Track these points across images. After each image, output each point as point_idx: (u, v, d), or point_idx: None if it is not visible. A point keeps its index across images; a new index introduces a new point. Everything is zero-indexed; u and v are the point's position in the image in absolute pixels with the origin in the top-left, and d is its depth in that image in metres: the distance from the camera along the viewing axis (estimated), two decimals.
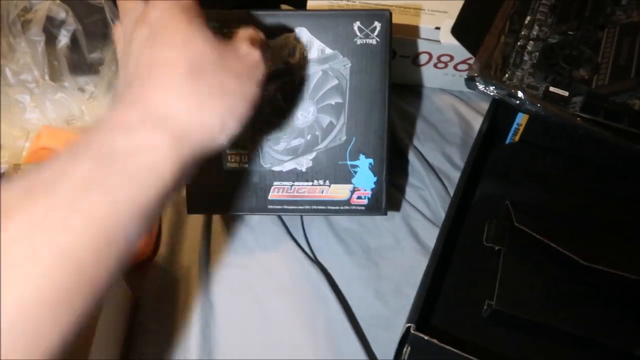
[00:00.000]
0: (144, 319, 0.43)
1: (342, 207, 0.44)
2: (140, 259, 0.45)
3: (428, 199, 0.51)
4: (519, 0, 0.52)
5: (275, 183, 0.43)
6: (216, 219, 0.49)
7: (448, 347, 0.35)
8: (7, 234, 0.21)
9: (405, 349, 0.38)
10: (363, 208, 0.44)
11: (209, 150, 0.27)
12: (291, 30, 0.40)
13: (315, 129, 0.42)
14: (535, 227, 0.42)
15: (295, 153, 0.43)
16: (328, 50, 0.40)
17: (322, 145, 0.42)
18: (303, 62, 0.41)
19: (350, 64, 0.41)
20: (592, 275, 0.40)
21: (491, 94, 0.46)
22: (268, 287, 0.45)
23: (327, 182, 0.43)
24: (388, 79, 0.41)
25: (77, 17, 0.52)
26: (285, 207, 0.44)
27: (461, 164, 0.53)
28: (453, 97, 0.59)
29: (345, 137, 0.42)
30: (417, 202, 0.51)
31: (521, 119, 0.51)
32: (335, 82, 0.41)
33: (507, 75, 0.47)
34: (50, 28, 0.52)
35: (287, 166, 0.43)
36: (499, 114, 0.51)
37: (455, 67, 0.57)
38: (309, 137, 0.42)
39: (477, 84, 0.46)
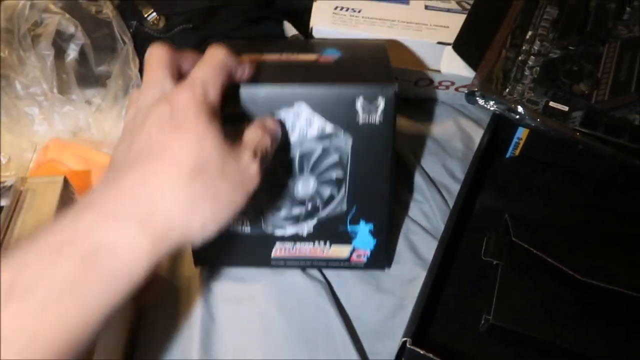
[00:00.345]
0: (145, 329, 0.44)
1: (342, 264, 0.46)
2: None
3: (428, 213, 0.51)
4: (521, 14, 0.53)
5: (277, 244, 0.44)
6: None
7: None
8: None
9: None
10: (362, 265, 0.46)
11: (182, 246, 0.28)
12: (291, 105, 0.37)
13: (316, 199, 0.41)
14: (533, 241, 0.42)
15: (296, 220, 0.43)
16: (329, 128, 0.38)
17: (322, 214, 0.42)
18: (303, 139, 0.39)
19: (351, 141, 0.39)
20: (590, 291, 0.40)
21: (491, 108, 0.46)
22: (269, 299, 0.45)
23: (328, 244, 0.44)
24: (391, 152, 0.39)
25: (86, 31, 0.53)
26: (287, 262, 0.46)
27: (462, 177, 0.54)
28: (455, 111, 0.60)
29: (346, 207, 0.42)
30: (417, 216, 0.51)
31: (522, 133, 0.51)
32: (336, 158, 0.39)
33: (507, 90, 0.48)
34: (60, 42, 0.53)
35: (289, 231, 0.43)
36: (499, 128, 0.51)
37: (456, 89, 0.57)
38: (309, 207, 0.42)
39: (477, 98, 0.47)
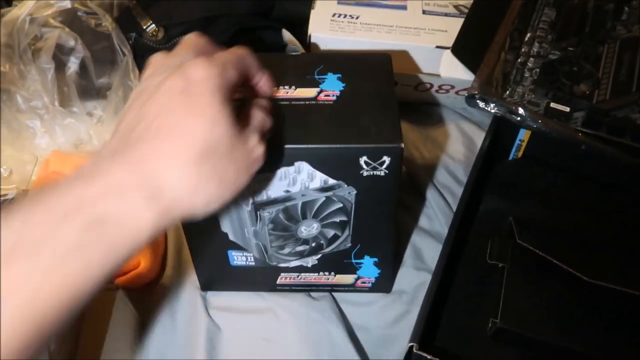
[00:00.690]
0: (149, 340, 0.44)
1: (347, 288, 0.46)
2: (147, 280, 0.46)
3: (432, 216, 0.51)
4: (519, 17, 0.53)
5: (282, 274, 0.44)
6: None
7: None
8: None
9: None
10: (367, 289, 0.46)
11: (184, 220, 0.28)
12: (291, 164, 0.35)
13: (320, 239, 0.41)
14: (538, 243, 0.42)
15: (300, 255, 0.42)
16: (331, 181, 0.36)
17: (327, 250, 0.42)
18: (305, 191, 0.37)
19: (355, 192, 0.37)
20: (596, 292, 0.40)
21: (492, 111, 0.46)
22: (273, 310, 0.45)
23: (333, 273, 0.44)
24: (395, 196, 0.38)
25: (86, 44, 0.54)
26: (293, 288, 0.46)
27: (465, 180, 0.53)
28: (456, 114, 0.60)
29: (350, 244, 0.41)
30: (420, 220, 0.51)
31: (524, 135, 0.51)
32: (340, 205, 0.38)
33: (507, 92, 0.48)
34: (60, 55, 0.53)
35: (293, 264, 0.43)
36: (501, 130, 0.51)
37: (456, 93, 0.57)
38: (313, 245, 0.41)
39: (478, 101, 0.47)
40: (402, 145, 0.34)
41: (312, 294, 0.46)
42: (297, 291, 0.46)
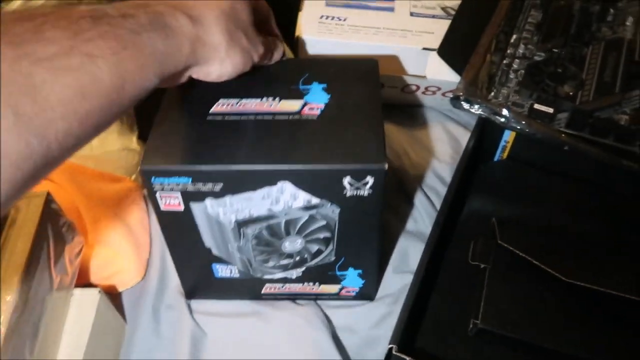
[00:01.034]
0: (133, 344, 0.44)
1: (331, 297, 0.46)
2: (130, 283, 0.46)
3: (417, 217, 0.51)
4: (505, 19, 0.53)
5: (267, 284, 0.44)
6: None
7: None
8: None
9: None
10: (351, 297, 0.46)
11: (202, 74, 0.34)
12: (274, 183, 0.34)
13: (304, 253, 0.41)
14: (519, 244, 0.42)
15: (285, 268, 0.42)
16: (315, 200, 0.36)
17: (311, 264, 0.42)
18: (288, 209, 0.36)
19: (339, 210, 0.37)
20: (576, 292, 0.40)
21: (476, 112, 0.46)
22: (258, 314, 0.45)
23: (317, 284, 0.44)
24: (380, 213, 0.38)
25: None
26: (277, 296, 0.46)
27: None
28: (442, 116, 0.60)
29: (335, 258, 0.41)
30: (406, 221, 0.51)
31: (509, 136, 0.51)
32: (323, 222, 0.37)
33: (493, 94, 0.48)
34: None
35: (278, 276, 0.43)
36: (486, 132, 0.51)
37: (443, 94, 0.57)
38: (297, 259, 0.41)
39: (462, 103, 0.47)
40: (386, 166, 0.34)
41: (297, 300, 0.46)
42: (283, 299, 0.46)
